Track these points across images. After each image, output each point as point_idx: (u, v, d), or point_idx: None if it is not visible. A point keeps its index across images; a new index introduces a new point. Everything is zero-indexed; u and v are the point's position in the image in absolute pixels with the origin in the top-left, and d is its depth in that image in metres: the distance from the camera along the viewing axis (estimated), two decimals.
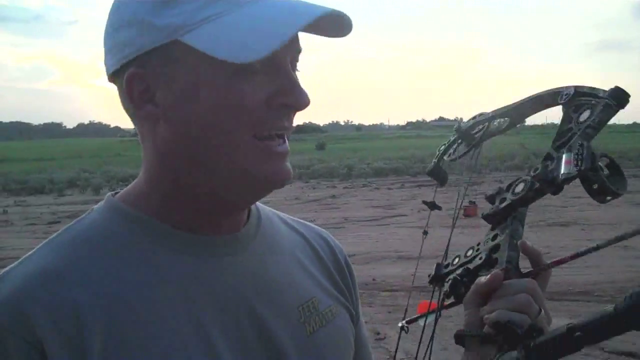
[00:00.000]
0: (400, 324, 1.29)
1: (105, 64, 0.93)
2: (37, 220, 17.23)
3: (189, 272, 0.92)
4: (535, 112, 1.20)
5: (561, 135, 1.15)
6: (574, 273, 8.72)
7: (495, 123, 1.20)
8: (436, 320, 1.21)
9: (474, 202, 15.88)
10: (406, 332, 1.28)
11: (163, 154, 0.92)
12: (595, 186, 1.07)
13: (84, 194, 24.90)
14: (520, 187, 1.18)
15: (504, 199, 1.20)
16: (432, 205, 1.13)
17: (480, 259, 1.16)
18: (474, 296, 1.09)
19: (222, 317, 0.92)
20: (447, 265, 1.24)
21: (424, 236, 1.36)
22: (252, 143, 0.88)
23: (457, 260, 1.25)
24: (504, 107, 1.20)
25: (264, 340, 0.96)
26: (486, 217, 1.24)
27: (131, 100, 0.90)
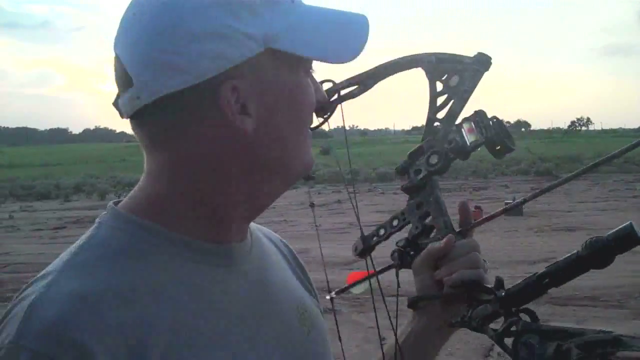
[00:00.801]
0: (328, 297, 1.33)
1: (155, 81, 0.84)
2: (43, 225, 17.27)
3: (214, 284, 0.92)
4: (389, 76, 1.21)
5: (434, 102, 1.23)
6: (579, 278, 8.61)
7: (347, 90, 1.23)
8: (382, 292, 1.29)
9: (479, 207, 15.88)
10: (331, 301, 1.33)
11: (243, 161, 0.90)
12: (498, 147, 1.16)
13: (90, 199, 24.95)
14: (434, 159, 1.24)
15: (419, 171, 1.27)
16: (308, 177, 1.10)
17: (417, 228, 1.24)
18: (427, 261, 1.18)
19: (244, 327, 0.93)
20: (373, 237, 1.31)
21: (312, 208, 1.43)
22: (306, 138, 0.96)
23: (382, 231, 1.32)
24: (358, 75, 1.23)
25: (277, 346, 0.97)
26: (406, 189, 1.30)
27: (223, 115, 0.86)
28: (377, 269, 1.29)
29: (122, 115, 0.91)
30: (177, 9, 0.83)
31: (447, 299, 1.15)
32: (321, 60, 0.90)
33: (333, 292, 1.33)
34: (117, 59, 0.88)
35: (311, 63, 0.93)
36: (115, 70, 0.89)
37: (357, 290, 1.34)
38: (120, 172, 35.07)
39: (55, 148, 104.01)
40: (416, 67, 1.21)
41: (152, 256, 0.88)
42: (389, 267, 1.30)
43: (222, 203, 0.92)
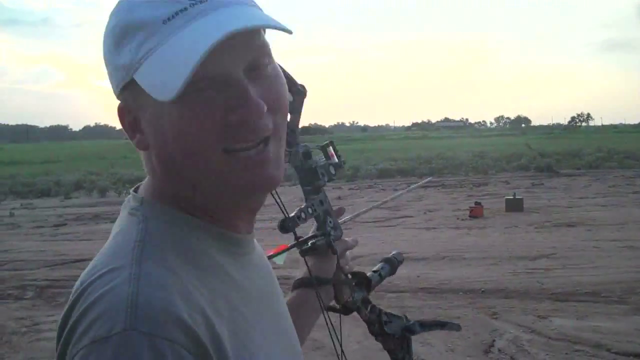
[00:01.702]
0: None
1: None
2: (44, 222, 17.26)
3: (241, 271, 1.02)
4: None
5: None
6: (581, 274, 8.69)
7: None
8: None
9: (480, 203, 15.86)
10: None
11: (159, 170, 0.98)
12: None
13: (90, 196, 24.94)
14: (332, 170, 1.51)
15: (323, 175, 1.48)
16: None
17: (331, 222, 1.49)
18: (343, 252, 1.52)
19: (260, 305, 1.04)
20: (298, 218, 1.41)
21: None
22: (223, 157, 0.92)
23: (303, 215, 1.43)
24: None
25: (282, 333, 1.10)
26: (316, 187, 1.48)
27: (124, 131, 0.98)
28: (302, 241, 1.47)
29: None
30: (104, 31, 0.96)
31: (338, 283, 1.49)
32: (150, 94, 0.87)
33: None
34: None
35: (189, 87, 0.84)
36: None
37: (279, 260, 1.50)
38: (120, 169, 35.04)
39: (55, 145, 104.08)
40: None
41: (201, 249, 0.96)
42: (303, 245, 1.48)
43: (203, 198, 0.99)
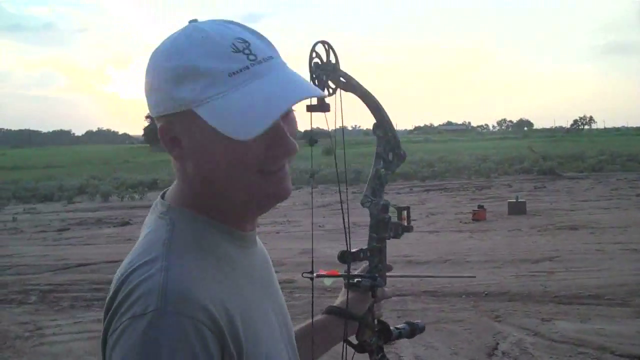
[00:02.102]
0: (309, 275, 1.59)
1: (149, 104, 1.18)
2: (47, 227, 17.30)
3: (249, 262, 1.25)
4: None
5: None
6: (584, 277, 8.69)
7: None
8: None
9: (482, 206, 15.86)
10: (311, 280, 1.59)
11: (194, 180, 1.18)
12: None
13: (93, 201, 24.98)
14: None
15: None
16: (311, 141, 1.38)
17: (380, 270, 1.68)
18: (379, 300, 1.70)
19: (263, 291, 1.27)
20: (357, 255, 1.63)
21: (311, 179, 1.61)
22: (258, 176, 1.15)
23: (362, 255, 1.65)
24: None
25: (276, 303, 1.32)
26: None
27: (163, 143, 1.17)
28: (351, 276, 1.63)
29: None
30: (153, 64, 1.15)
31: (364, 324, 1.64)
32: (224, 133, 1.06)
33: (315, 274, 1.59)
34: None
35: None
36: None
37: (327, 282, 1.70)
38: (123, 174, 35.09)
39: (58, 150, 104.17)
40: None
41: (217, 244, 1.18)
42: (351, 279, 1.64)
43: (224, 212, 1.21)
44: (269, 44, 1.17)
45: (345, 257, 1.56)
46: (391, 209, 1.67)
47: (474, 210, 15.52)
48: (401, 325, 1.72)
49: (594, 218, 14.45)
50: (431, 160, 35.62)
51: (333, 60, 1.52)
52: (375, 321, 1.67)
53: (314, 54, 1.48)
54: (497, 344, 6.27)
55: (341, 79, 1.54)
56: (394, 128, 1.69)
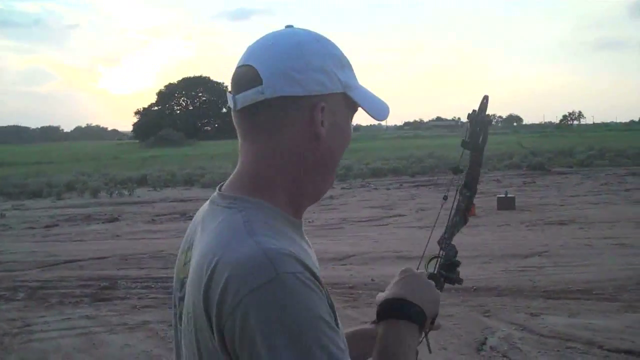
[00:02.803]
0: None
1: (279, 86, 1.25)
2: (36, 223, 17.19)
3: (306, 246, 1.34)
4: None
5: None
6: (573, 271, 8.72)
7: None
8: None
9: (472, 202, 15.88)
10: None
11: (317, 158, 1.31)
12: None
13: (82, 197, 24.87)
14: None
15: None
16: (456, 170, 1.78)
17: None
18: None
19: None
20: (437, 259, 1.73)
21: (444, 201, 1.79)
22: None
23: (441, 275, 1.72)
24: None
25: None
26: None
27: (310, 123, 1.27)
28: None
29: (234, 107, 1.29)
30: (305, 48, 1.28)
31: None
32: (371, 115, 1.34)
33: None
34: (248, 67, 1.28)
35: (354, 114, 1.35)
36: (240, 75, 1.30)
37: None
38: (112, 170, 34.98)
39: (47, 146, 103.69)
40: None
41: (285, 229, 1.27)
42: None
43: (299, 191, 1.32)
44: None
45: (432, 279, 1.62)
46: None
47: None
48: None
49: (583, 213, 14.51)
50: (421, 155, 35.67)
51: (484, 115, 1.73)
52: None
53: (484, 101, 1.71)
54: (486, 338, 6.28)
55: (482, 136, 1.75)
56: (475, 194, 1.81)
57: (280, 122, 1.26)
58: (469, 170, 1.79)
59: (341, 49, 1.35)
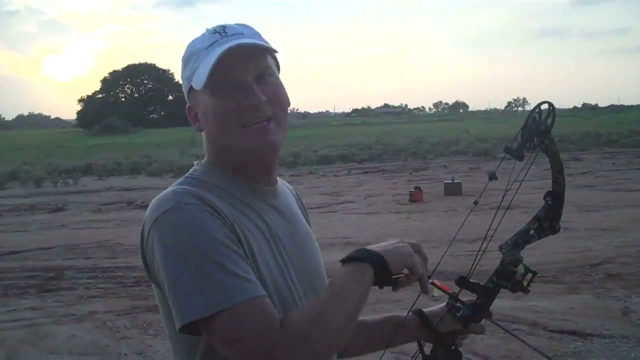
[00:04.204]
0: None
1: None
2: None
3: (261, 207, 1.52)
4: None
5: None
6: None
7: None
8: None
9: (419, 188, 16.07)
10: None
11: (211, 147, 1.54)
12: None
13: (25, 187, 24.38)
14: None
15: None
16: (492, 176, 1.76)
17: (482, 308, 1.79)
18: (466, 334, 1.81)
19: (272, 244, 1.49)
20: (471, 287, 1.76)
21: (474, 205, 1.83)
22: (241, 130, 1.45)
23: (477, 290, 1.78)
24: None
25: (301, 258, 1.57)
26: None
27: (190, 120, 1.57)
28: (457, 298, 1.76)
29: None
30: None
31: (438, 344, 1.75)
32: (193, 86, 1.46)
33: (431, 280, 1.69)
34: None
35: (218, 85, 1.43)
36: None
37: (436, 292, 1.78)
38: (56, 159, 34.34)
39: None
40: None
41: (228, 189, 1.49)
42: (454, 302, 1.77)
43: (232, 168, 1.52)
44: (247, 27, 1.53)
45: (463, 282, 1.70)
46: (520, 266, 1.76)
47: (410, 192, 15.71)
48: None
49: (527, 198, 14.73)
50: (369, 142, 35.88)
51: (549, 122, 1.66)
52: (453, 347, 1.73)
53: (536, 110, 1.66)
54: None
55: (546, 142, 1.67)
56: (563, 200, 1.73)
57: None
58: (553, 178, 1.75)
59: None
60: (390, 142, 35.11)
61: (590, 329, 6.02)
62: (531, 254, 8.83)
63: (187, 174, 1.53)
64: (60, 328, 6.86)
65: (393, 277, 1.44)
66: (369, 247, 1.45)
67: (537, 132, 1.64)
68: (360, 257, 1.39)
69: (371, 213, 13.94)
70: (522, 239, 1.77)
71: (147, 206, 1.44)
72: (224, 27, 1.50)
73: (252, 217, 1.47)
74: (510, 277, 1.70)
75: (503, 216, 1.76)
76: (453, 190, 15.78)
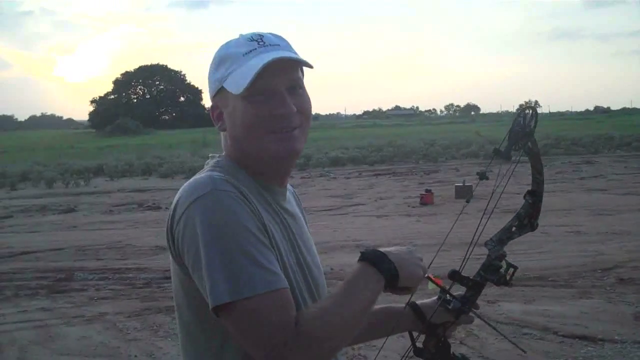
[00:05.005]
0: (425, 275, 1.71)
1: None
2: None
3: (275, 205, 1.61)
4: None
5: None
6: (529, 259, 8.85)
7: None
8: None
9: (430, 190, 16.02)
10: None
11: (234, 148, 1.60)
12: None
13: (37, 188, 24.46)
14: None
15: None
16: (482, 176, 1.90)
17: (470, 299, 1.82)
18: (455, 326, 1.83)
19: (290, 229, 1.61)
20: (463, 280, 1.80)
21: (466, 204, 1.95)
22: (270, 137, 1.53)
23: (467, 282, 1.81)
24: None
25: (310, 256, 1.65)
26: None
27: (213, 121, 1.65)
28: (448, 292, 1.81)
29: None
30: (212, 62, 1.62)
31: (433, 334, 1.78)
32: (230, 90, 1.52)
33: (426, 274, 1.71)
34: None
35: (253, 92, 1.50)
36: None
37: (430, 286, 1.83)
38: (68, 159, 34.47)
39: (0, 136, 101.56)
40: None
41: (249, 187, 1.52)
42: (445, 295, 1.84)
43: (252, 169, 1.59)
44: (282, 39, 1.60)
45: (455, 275, 1.75)
46: (503, 261, 1.81)
47: (421, 195, 15.67)
48: (459, 354, 1.79)
49: None
50: (380, 144, 35.82)
51: (532, 125, 1.76)
52: (443, 338, 1.77)
53: (521, 115, 1.77)
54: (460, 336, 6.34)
55: (529, 144, 1.76)
56: (541, 199, 1.83)
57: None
58: (533, 178, 1.83)
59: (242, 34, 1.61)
60: (401, 145, 35.05)
61: (601, 334, 5.98)
62: (542, 258, 8.85)
63: (213, 163, 1.60)
64: (71, 329, 6.88)
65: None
66: (389, 253, 1.51)
67: (522, 135, 1.75)
68: (378, 263, 1.47)
69: (382, 216, 13.91)
70: (505, 236, 1.84)
71: (158, 208, 1.50)
72: (261, 36, 1.57)
73: (272, 214, 1.56)
74: (496, 271, 1.77)
75: (487, 218, 1.74)
76: (464, 193, 15.73)
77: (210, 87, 1.62)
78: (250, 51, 1.53)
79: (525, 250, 9.37)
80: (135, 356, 6.02)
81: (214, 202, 1.39)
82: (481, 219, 1.80)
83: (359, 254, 1.51)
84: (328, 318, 1.37)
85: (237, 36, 1.62)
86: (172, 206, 1.47)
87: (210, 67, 1.61)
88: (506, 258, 1.79)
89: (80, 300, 8.03)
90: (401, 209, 14.87)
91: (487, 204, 1.75)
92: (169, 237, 1.47)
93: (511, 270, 1.78)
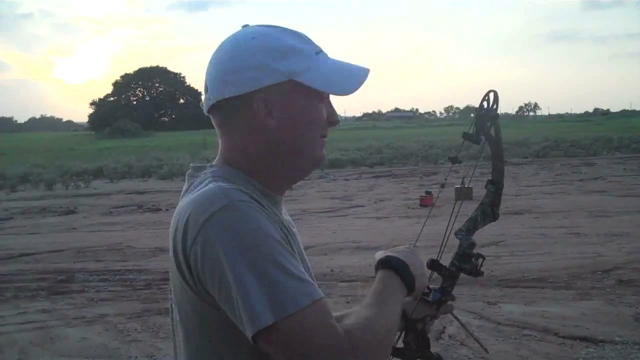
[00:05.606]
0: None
1: (217, 91, 1.41)
2: None
3: (280, 215, 1.48)
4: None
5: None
6: (528, 260, 8.86)
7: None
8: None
9: (430, 192, 16.03)
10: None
11: (270, 147, 1.42)
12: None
13: (36, 190, 24.48)
14: None
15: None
16: (454, 160, 1.92)
17: (447, 292, 1.76)
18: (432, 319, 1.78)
19: (297, 243, 1.49)
20: (442, 271, 1.77)
21: (441, 189, 1.92)
22: (319, 139, 1.46)
23: (444, 272, 1.79)
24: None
25: (307, 263, 1.47)
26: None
27: (255, 116, 1.40)
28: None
29: (205, 112, 1.49)
30: (240, 49, 1.40)
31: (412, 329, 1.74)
32: (329, 92, 1.44)
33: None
34: (205, 78, 1.46)
35: (324, 94, 1.43)
36: (204, 85, 1.46)
37: None
38: (67, 161, 34.46)
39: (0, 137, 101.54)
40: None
41: (251, 193, 1.37)
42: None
43: (267, 174, 1.45)
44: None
45: (434, 265, 1.74)
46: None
47: (421, 196, 15.69)
48: (435, 353, 1.75)
49: (538, 203, 14.75)
50: (379, 146, 35.86)
51: (495, 107, 1.76)
52: (423, 333, 1.76)
53: (485, 98, 1.75)
54: (444, 327, 6.34)
55: (491, 131, 1.80)
56: (502, 188, 1.85)
57: (229, 120, 1.44)
58: (494, 166, 1.85)
59: (297, 31, 1.46)
60: (401, 147, 35.09)
61: (601, 335, 5.98)
62: (541, 260, 8.85)
63: (211, 174, 1.42)
64: (71, 331, 6.88)
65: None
66: (409, 263, 1.53)
67: (489, 117, 1.76)
68: (403, 276, 1.48)
69: (381, 217, 13.91)
70: (472, 225, 1.86)
71: (158, 209, 1.44)
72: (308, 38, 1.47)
73: (279, 223, 1.40)
74: (469, 260, 1.78)
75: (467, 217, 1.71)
76: (464, 195, 15.68)
77: (259, 74, 1.37)
78: (320, 52, 1.45)
79: (525, 252, 9.39)
80: (136, 357, 6.03)
81: (235, 215, 1.25)
82: (453, 207, 1.90)
83: (381, 261, 1.50)
84: (375, 327, 1.28)
85: (269, 26, 1.46)
86: (181, 226, 1.29)
87: (255, 51, 1.39)
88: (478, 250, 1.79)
89: (81, 301, 8.03)
90: (401, 210, 14.87)
91: (458, 191, 1.74)
92: (181, 262, 1.29)
93: (480, 260, 1.78)
